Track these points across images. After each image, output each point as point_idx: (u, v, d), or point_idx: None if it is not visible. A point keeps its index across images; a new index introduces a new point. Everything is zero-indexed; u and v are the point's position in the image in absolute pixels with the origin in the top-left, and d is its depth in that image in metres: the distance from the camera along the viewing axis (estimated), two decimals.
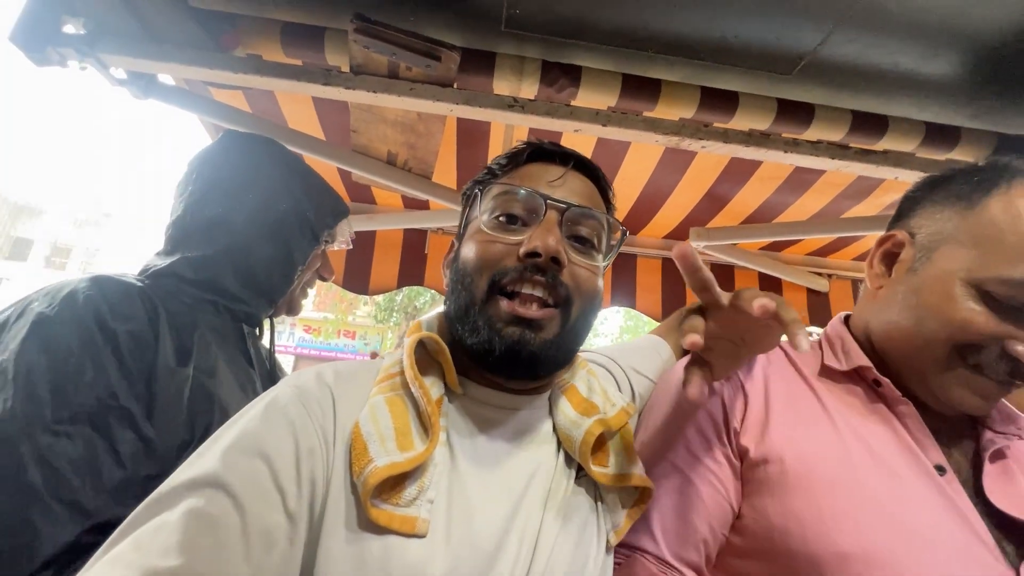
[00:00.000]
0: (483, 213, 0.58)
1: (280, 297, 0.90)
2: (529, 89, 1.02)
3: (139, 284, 0.73)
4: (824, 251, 2.00)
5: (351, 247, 1.04)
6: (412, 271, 1.95)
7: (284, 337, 13.53)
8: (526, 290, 0.53)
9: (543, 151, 0.61)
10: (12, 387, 0.59)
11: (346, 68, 0.98)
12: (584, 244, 0.58)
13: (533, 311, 0.52)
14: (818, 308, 2.06)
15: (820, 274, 2.05)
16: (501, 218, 0.57)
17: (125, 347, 0.66)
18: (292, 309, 0.97)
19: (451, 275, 0.60)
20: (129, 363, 0.66)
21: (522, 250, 0.53)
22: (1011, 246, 0.52)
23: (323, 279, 1.01)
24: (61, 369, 0.61)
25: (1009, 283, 0.51)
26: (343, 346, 14.06)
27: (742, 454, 0.59)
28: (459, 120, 1.35)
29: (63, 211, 19.65)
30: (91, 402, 0.61)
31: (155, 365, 0.68)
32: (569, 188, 0.58)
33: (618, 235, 0.62)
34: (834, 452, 0.56)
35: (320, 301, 13.95)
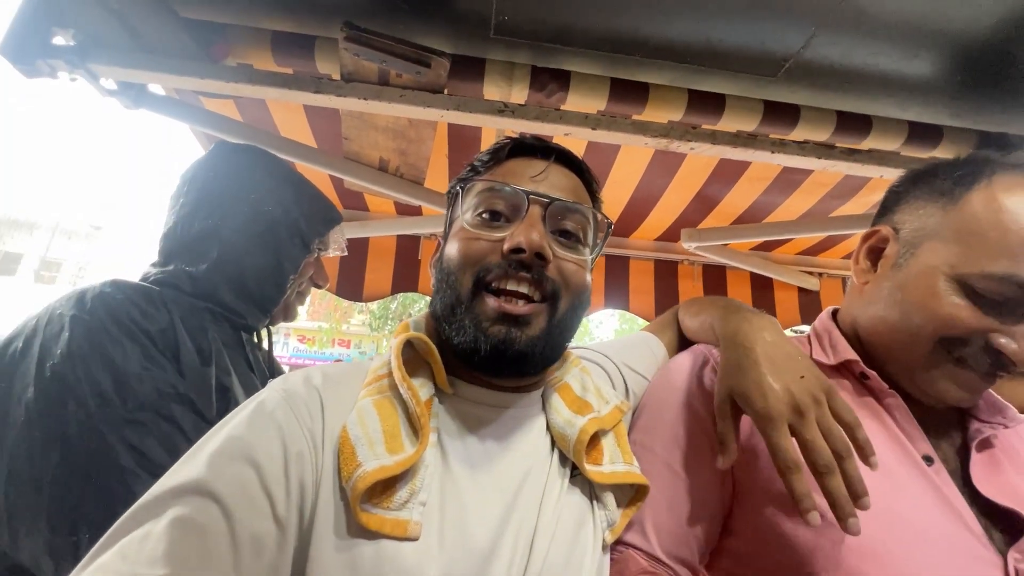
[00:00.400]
0: (466, 211, 0.58)
1: (273, 306, 0.91)
2: (519, 94, 1.03)
3: (156, 288, 0.76)
4: (814, 250, 2.02)
5: (345, 253, 1.05)
6: (406, 277, 1.95)
7: (278, 347, 13.44)
8: (511, 287, 0.52)
9: (524, 146, 0.61)
10: (78, 388, 0.63)
11: (337, 76, 0.99)
12: (569, 238, 0.57)
13: (520, 307, 0.52)
14: (809, 307, 2.08)
15: (811, 273, 2.07)
16: (484, 215, 0.56)
17: (161, 345, 0.70)
18: (288, 316, 0.98)
19: (436, 274, 0.59)
20: (169, 359, 0.71)
21: (506, 246, 0.52)
22: (992, 241, 0.53)
23: (317, 286, 1.02)
24: (118, 367, 0.65)
25: (991, 278, 0.52)
26: (338, 355, 13.98)
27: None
28: (450, 125, 1.35)
29: (53, 225, 19.46)
30: (152, 394, 0.66)
31: (183, 364, 0.72)
32: (552, 182, 0.57)
33: (603, 231, 0.61)
34: None
35: (314, 310, 13.88)
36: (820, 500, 0.48)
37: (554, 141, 0.63)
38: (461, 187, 0.60)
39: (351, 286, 1.92)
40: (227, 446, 0.43)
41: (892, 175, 1.11)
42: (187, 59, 0.96)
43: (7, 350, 0.67)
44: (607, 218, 0.62)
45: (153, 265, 0.84)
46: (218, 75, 0.95)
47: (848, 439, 0.50)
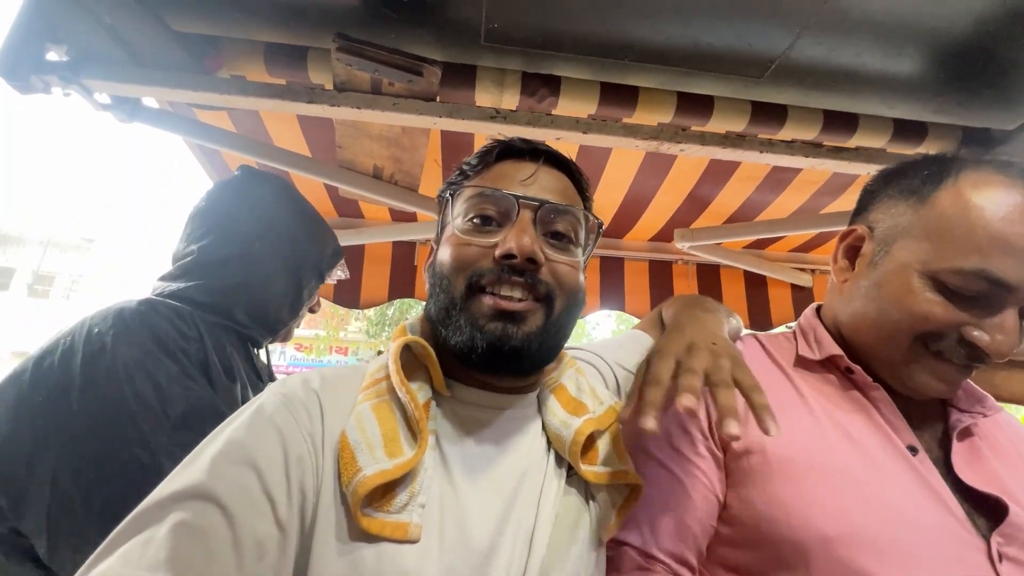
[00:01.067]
0: (456, 216, 0.58)
1: (282, 328, 0.96)
2: (510, 100, 1.04)
3: (186, 308, 0.79)
4: (806, 247, 2.04)
5: (335, 281, 1.12)
6: (402, 283, 1.95)
7: (275, 356, 13.33)
8: (505, 291, 0.52)
9: (513, 149, 0.61)
10: (125, 405, 0.66)
11: (330, 86, 1.00)
12: (561, 239, 0.57)
13: (516, 304, 0.52)
14: (802, 303, 2.10)
15: (803, 270, 2.09)
16: (475, 220, 0.56)
17: (195, 363, 0.74)
18: (287, 338, 1.05)
19: (430, 279, 0.59)
20: (202, 375, 0.74)
21: (497, 252, 0.53)
22: (960, 238, 0.54)
23: (311, 311, 1.08)
24: (161, 384, 0.68)
25: (960, 273, 0.54)
26: (335, 362, 13.93)
27: (724, 446, 0.61)
28: (443, 132, 1.37)
29: (45, 238, 19.32)
30: (192, 410, 0.69)
31: (213, 381, 0.75)
32: (541, 185, 0.57)
33: (594, 231, 0.62)
34: (814, 439, 0.58)
35: (310, 318, 13.84)
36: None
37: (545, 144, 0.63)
38: (451, 192, 0.60)
39: (348, 294, 1.92)
40: (227, 450, 0.43)
41: None
42: (181, 72, 0.96)
43: (41, 365, 0.68)
44: (597, 218, 0.62)
45: (162, 279, 0.86)
46: (212, 87, 0.96)
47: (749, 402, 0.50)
